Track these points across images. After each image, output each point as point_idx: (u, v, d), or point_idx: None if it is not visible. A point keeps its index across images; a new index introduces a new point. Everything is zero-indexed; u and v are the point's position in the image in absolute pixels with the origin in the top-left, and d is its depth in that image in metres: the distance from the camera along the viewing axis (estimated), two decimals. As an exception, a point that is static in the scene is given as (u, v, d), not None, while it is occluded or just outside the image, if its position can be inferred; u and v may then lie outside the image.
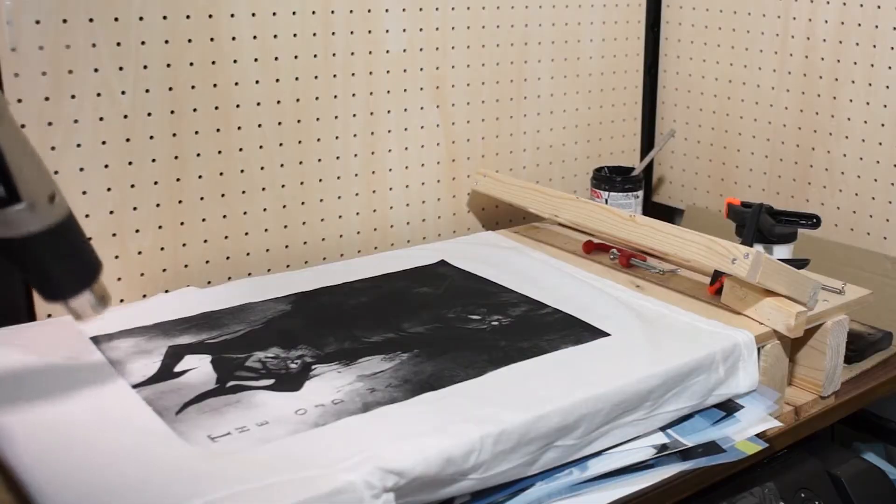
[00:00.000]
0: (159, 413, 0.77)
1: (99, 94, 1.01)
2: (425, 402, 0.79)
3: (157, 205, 1.07)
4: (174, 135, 1.07)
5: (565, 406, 0.78)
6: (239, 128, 1.11)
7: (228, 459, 0.70)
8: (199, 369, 0.85)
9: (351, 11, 1.17)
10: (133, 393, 0.80)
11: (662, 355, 0.87)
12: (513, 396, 0.80)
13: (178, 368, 0.85)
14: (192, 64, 1.06)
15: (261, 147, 1.14)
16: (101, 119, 1.01)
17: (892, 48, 1.22)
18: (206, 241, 1.12)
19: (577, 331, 0.93)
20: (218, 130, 1.10)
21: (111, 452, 0.71)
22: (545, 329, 0.94)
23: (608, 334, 0.92)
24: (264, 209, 1.15)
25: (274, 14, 1.11)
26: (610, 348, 0.90)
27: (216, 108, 1.09)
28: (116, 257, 1.06)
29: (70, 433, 0.74)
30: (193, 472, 0.68)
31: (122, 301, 1.06)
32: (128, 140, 1.04)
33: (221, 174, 1.11)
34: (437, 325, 0.95)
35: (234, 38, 1.09)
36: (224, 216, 1.13)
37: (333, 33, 1.17)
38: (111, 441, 0.72)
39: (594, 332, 0.93)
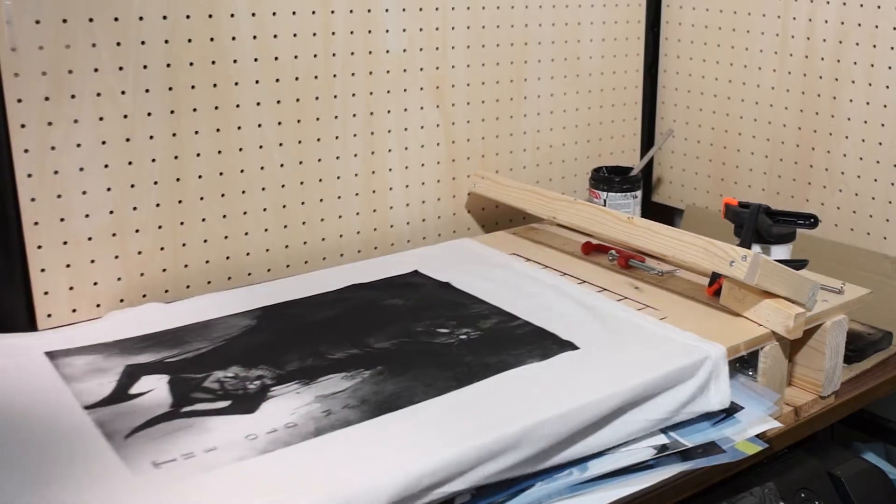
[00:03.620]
0: (108, 437, 0.75)
1: (99, 94, 1.01)
2: (380, 426, 0.76)
3: (157, 205, 1.07)
4: (174, 135, 1.07)
5: (523, 428, 0.76)
6: (239, 128, 1.11)
7: (165, 488, 0.68)
8: (154, 392, 0.82)
9: (351, 11, 1.17)
10: (84, 415, 0.78)
11: (629, 370, 0.85)
12: (471, 418, 0.77)
13: (133, 390, 0.83)
14: (192, 64, 1.07)
15: (261, 147, 1.14)
16: (101, 119, 1.02)
17: (892, 48, 1.22)
18: (206, 241, 1.12)
19: (545, 343, 0.91)
20: (218, 130, 1.10)
21: (50, 476, 0.69)
22: (513, 342, 0.91)
23: (577, 347, 0.90)
24: (264, 209, 1.16)
25: (274, 14, 1.11)
26: (577, 363, 0.87)
27: (216, 108, 1.09)
28: (116, 257, 1.06)
29: (12, 454, 0.72)
30: (126, 501, 0.66)
31: (121, 301, 1.07)
32: (128, 140, 1.04)
33: (221, 174, 1.11)
34: (404, 340, 0.93)
35: (234, 38, 1.09)
36: (224, 216, 1.13)
37: (333, 33, 1.17)
38: (51, 464, 0.71)
39: (563, 346, 0.90)
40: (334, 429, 0.76)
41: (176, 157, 1.08)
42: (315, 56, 1.16)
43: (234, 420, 0.78)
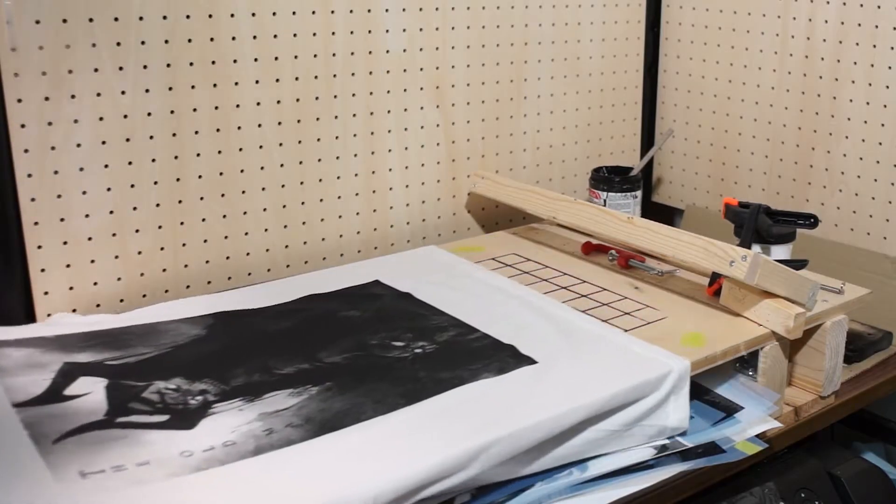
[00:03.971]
0: (35, 439, 0.72)
1: (99, 94, 1.01)
2: (321, 446, 0.73)
3: (157, 205, 1.07)
4: (174, 135, 1.07)
5: (474, 448, 0.73)
6: (239, 128, 1.11)
7: (90, 500, 0.65)
8: (90, 396, 0.79)
9: (351, 11, 1.17)
10: (12, 413, 0.75)
11: (588, 386, 0.82)
12: (419, 438, 0.74)
13: (68, 391, 0.79)
14: (192, 64, 1.07)
15: (261, 147, 1.14)
16: (101, 119, 1.02)
17: (892, 48, 1.22)
18: (206, 241, 1.12)
19: (503, 357, 0.88)
20: (218, 130, 1.10)
21: None
22: (470, 356, 0.88)
23: (535, 362, 0.87)
24: (264, 209, 1.16)
25: (274, 14, 1.11)
26: (534, 379, 0.84)
27: (216, 108, 1.09)
28: (116, 257, 1.06)
29: None
30: None
31: (121, 301, 1.07)
32: (128, 140, 1.04)
33: (221, 174, 1.11)
34: (357, 354, 0.89)
35: (234, 38, 1.09)
36: (224, 216, 1.13)
37: (333, 33, 1.17)
38: None
39: (520, 360, 0.87)
40: (274, 448, 0.73)
41: (176, 157, 1.08)
42: (315, 56, 1.16)
43: (170, 435, 0.75)
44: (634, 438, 0.84)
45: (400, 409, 0.79)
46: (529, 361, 0.87)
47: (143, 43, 1.03)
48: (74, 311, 1.03)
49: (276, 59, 1.12)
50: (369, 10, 1.19)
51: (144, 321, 0.95)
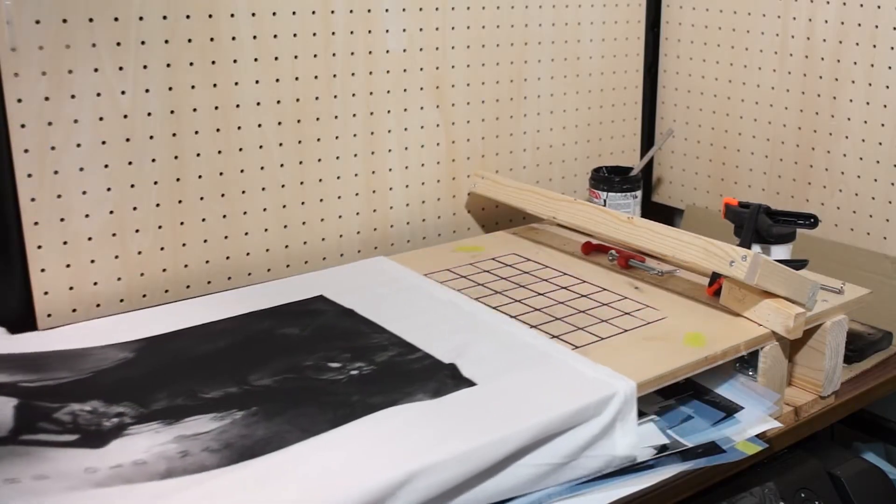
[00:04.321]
0: None
1: (99, 94, 1.01)
2: (237, 473, 0.70)
3: (157, 205, 1.07)
4: (174, 135, 1.07)
5: (397, 478, 0.69)
6: (239, 128, 1.11)
7: None
8: None
9: (351, 11, 1.17)
10: None
11: (527, 411, 0.77)
12: (341, 467, 0.71)
13: None
14: (192, 64, 1.07)
15: (261, 147, 1.14)
16: (101, 119, 1.02)
17: (892, 48, 1.22)
18: (206, 241, 1.12)
19: (441, 379, 0.84)
20: (218, 130, 1.10)
21: None
22: (407, 378, 0.84)
23: (474, 384, 0.83)
24: (264, 209, 1.16)
25: (274, 14, 1.11)
26: (471, 402, 0.80)
27: (216, 108, 1.09)
28: (116, 257, 1.06)
29: None
30: None
31: (121, 301, 1.07)
32: (128, 140, 1.04)
33: (221, 174, 1.11)
34: (289, 377, 0.85)
35: (234, 38, 1.09)
36: (224, 216, 1.13)
37: (333, 33, 1.17)
38: None
39: (459, 382, 0.83)
40: (187, 473, 0.70)
41: (176, 157, 1.08)
42: (315, 56, 1.16)
43: (77, 453, 0.72)
44: (579, 471, 0.79)
45: (323, 433, 0.75)
46: (468, 383, 0.83)
47: (143, 43, 1.03)
48: (74, 311, 1.03)
49: (276, 59, 1.12)
50: (369, 10, 1.19)
51: (71, 346, 0.92)
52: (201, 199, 1.10)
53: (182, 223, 1.10)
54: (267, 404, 0.81)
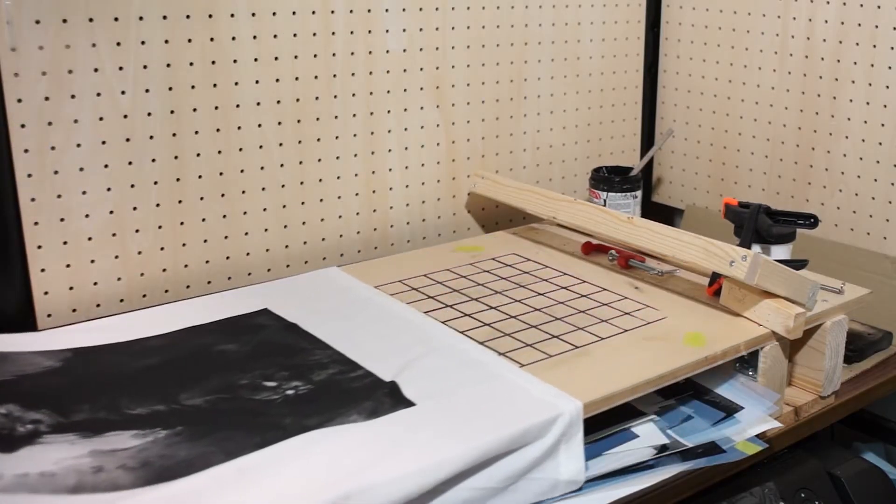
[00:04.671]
0: None
1: (99, 94, 1.01)
2: (148, 495, 0.67)
3: (157, 205, 1.07)
4: (174, 135, 1.07)
5: None
6: (239, 128, 1.11)
7: None
8: None
9: (351, 11, 1.17)
10: None
11: (465, 434, 0.74)
12: (258, 493, 0.67)
13: None
14: (192, 64, 1.07)
15: (261, 147, 1.14)
16: (101, 119, 1.02)
17: (892, 48, 1.22)
18: (206, 241, 1.12)
19: (379, 399, 0.80)
20: (218, 130, 1.10)
21: None
22: (344, 398, 0.80)
23: (413, 404, 0.79)
24: (264, 209, 1.16)
25: (274, 14, 1.11)
26: (408, 424, 0.76)
27: (216, 108, 1.09)
28: (116, 257, 1.06)
29: None
30: None
31: (121, 301, 1.07)
32: (128, 140, 1.04)
33: (221, 174, 1.11)
34: (222, 396, 0.81)
35: (234, 38, 1.09)
36: (224, 216, 1.13)
37: (333, 33, 1.17)
38: None
39: (398, 402, 0.79)
40: (97, 490, 0.66)
41: (176, 157, 1.08)
42: (315, 56, 1.16)
43: None
44: (520, 495, 0.75)
45: (247, 455, 0.71)
46: (407, 403, 0.79)
47: (143, 43, 1.03)
48: (74, 311, 1.03)
49: (276, 59, 1.13)
50: (369, 10, 1.19)
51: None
52: (201, 199, 1.10)
53: (182, 223, 1.10)
54: (194, 425, 0.76)
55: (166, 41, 1.04)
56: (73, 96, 0.99)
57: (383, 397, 0.80)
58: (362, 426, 0.76)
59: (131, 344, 0.92)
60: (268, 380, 0.85)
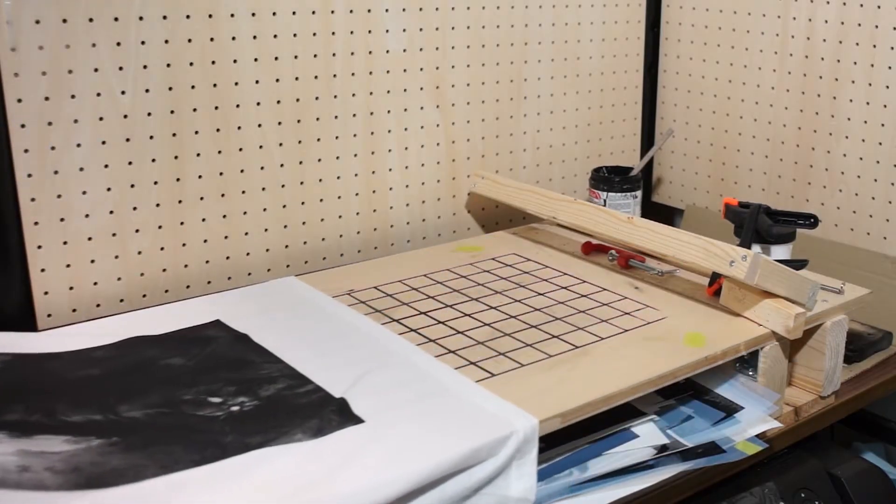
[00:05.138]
0: None
1: (99, 94, 1.01)
2: (75, 500, 0.65)
3: (157, 205, 1.07)
4: (174, 135, 1.07)
5: None
6: (239, 128, 1.11)
7: None
8: None
9: (351, 11, 1.17)
10: None
11: (414, 454, 0.71)
12: None
13: None
14: (192, 64, 1.07)
15: (261, 147, 1.14)
16: (101, 119, 1.02)
17: (892, 48, 1.22)
18: (206, 241, 1.12)
19: (327, 416, 0.77)
20: (218, 130, 1.10)
21: None
22: (290, 415, 0.77)
23: (362, 421, 0.76)
24: (264, 209, 1.16)
25: (274, 14, 1.11)
26: (354, 443, 0.73)
27: (216, 108, 1.09)
28: (116, 257, 1.06)
29: None
30: None
31: (121, 301, 1.07)
32: (128, 140, 1.04)
33: (221, 174, 1.11)
34: (162, 411, 0.79)
35: (234, 38, 1.09)
36: (224, 216, 1.13)
37: (333, 33, 1.17)
38: None
39: (346, 419, 0.76)
40: (20, 488, 0.65)
41: (176, 157, 1.08)
42: (315, 56, 1.16)
43: None
44: None
45: (183, 471, 0.69)
46: (356, 421, 0.76)
47: (143, 43, 1.03)
48: (74, 311, 1.03)
49: (276, 59, 1.13)
50: (369, 10, 1.19)
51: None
52: (201, 199, 1.10)
53: (182, 223, 1.10)
54: (130, 436, 0.74)
55: (166, 41, 1.04)
56: (73, 96, 0.99)
57: (331, 415, 0.77)
58: (307, 445, 0.73)
59: (76, 353, 0.89)
60: (213, 395, 0.81)
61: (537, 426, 0.76)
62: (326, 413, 0.78)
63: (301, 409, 0.79)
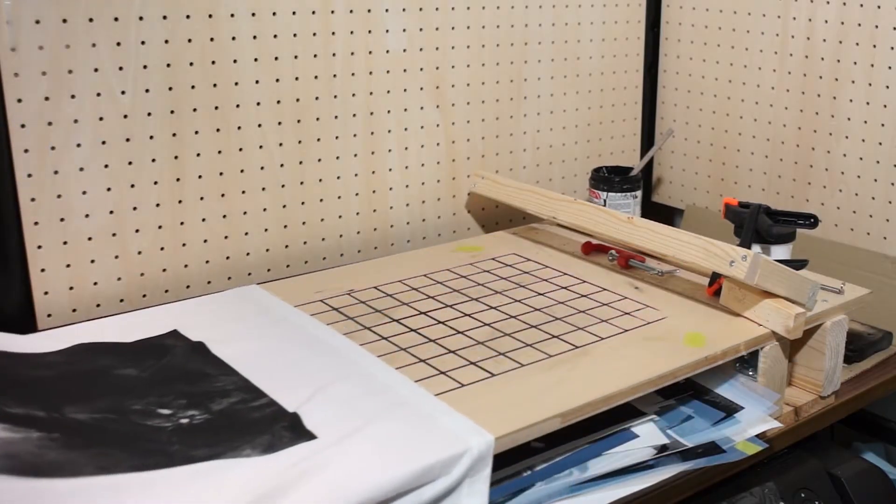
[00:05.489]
0: None
1: (99, 94, 1.01)
2: (8, 483, 0.64)
3: (157, 205, 1.07)
4: (174, 135, 1.07)
5: None
6: (239, 128, 1.12)
7: None
8: None
9: (351, 11, 1.17)
10: None
11: (364, 471, 0.69)
12: None
13: None
14: (192, 64, 1.07)
15: (261, 147, 1.14)
16: (101, 119, 1.02)
17: (892, 48, 1.22)
18: (206, 241, 1.12)
19: (278, 432, 0.75)
20: (218, 130, 1.10)
21: None
22: (241, 430, 0.75)
23: (314, 437, 0.74)
24: (264, 209, 1.16)
25: (274, 14, 1.11)
26: (304, 460, 0.71)
27: (216, 108, 1.09)
28: (116, 257, 1.06)
29: None
30: None
31: (121, 301, 1.07)
32: (128, 140, 1.04)
33: (221, 174, 1.11)
34: (109, 416, 0.77)
35: (234, 38, 1.09)
36: (224, 216, 1.13)
37: (333, 33, 1.17)
38: None
39: (298, 435, 0.74)
40: None
41: (176, 157, 1.08)
42: (315, 56, 1.16)
43: None
44: None
45: (121, 474, 0.68)
46: (308, 437, 0.74)
47: (143, 43, 1.03)
48: (74, 311, 1.03)
49: (276, 59, 1.13)
50: (369, 10, 1.19)
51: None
52: (201, 199, 1.10)
53: (182, 223, 1.10)
54: (72, 436, 0.72)
55: (166, 41, 1.04)
56: (73, 96, 0.99)
57: (283, 431, 0.75)
58: (255, 461, 0.71)
59: (27, 356, 0.87)
60: (163, 407, 0.80)
61: (492, 443, 0.74)
62: (278, 429, 0.75)
63: (253, 424, 0.76)
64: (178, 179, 1.08)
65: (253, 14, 1.10)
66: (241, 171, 1.13)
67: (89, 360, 0.88)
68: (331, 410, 0.78)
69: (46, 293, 1.02)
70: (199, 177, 1.10)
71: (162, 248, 1.09)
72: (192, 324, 0.95)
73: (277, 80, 1.13)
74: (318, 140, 1.18)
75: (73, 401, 0.79)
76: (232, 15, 1.08)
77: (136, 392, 0.82)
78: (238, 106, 1.11)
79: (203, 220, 1.11)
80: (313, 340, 0.92)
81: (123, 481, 0.67)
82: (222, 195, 1.12)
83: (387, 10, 1.20)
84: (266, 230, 1.16)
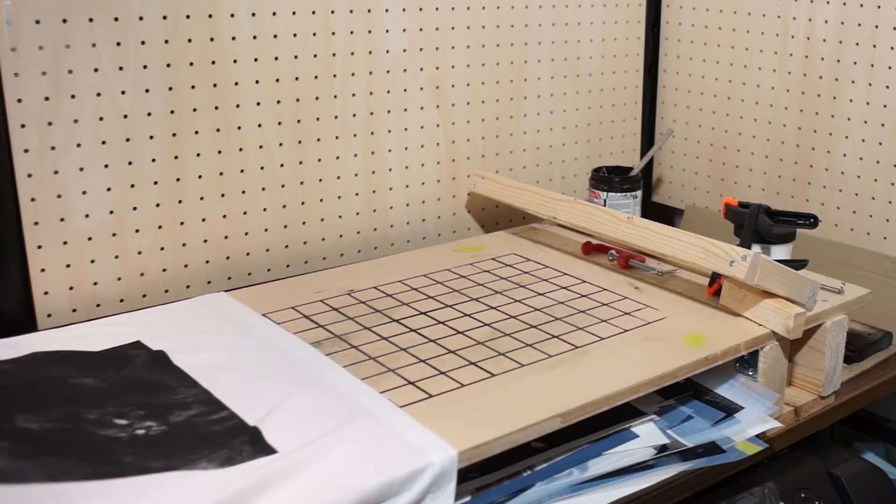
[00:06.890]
0: None
1: (99, 94, 1.01)
2: None
3: (157, 205, 1.07)
4: (174, 135, 1.07)
5: None
6: (239, 128, 1.12)
7: None
8: None
9: (351, 11, 1.17)
10: None
11: (323, 487, 0.68)
12: None
13: None
14: (192, 64, 1.07)
15: (261, 147, 1.14)
16: (101, 119, 1.02)
17: (892, 48, 1.22)
18: (206, 241, 1.12)
19: (237, 445, 0.73)
20: (218, 130, 1.10)
21: None
22: (198, 442, 0.73)
23: (274, 451, 0.72)
24: (264, 209, 1.16)
25: (274, 14, 1.11)
26: (262, 474, 0.69)
27: (216, 108, 1.09)
28: (116, 257, 1.06)
29: None
30: None
31: (121, 301, 1.07)
32: (128, 140, 1.04)
33: (221, 174, 1.11)
34: (62, 426, 0.75)
35: (234, 38, 1.09)
36: (224, 216, 1.13)
37: (333, 33, 1.17)
38: None
39: (257, 449, 0.72)
40: None
41: (176, 157, 1.08)
42: (315, 56, 1.16)
43: None
44: None
45: (72, 482, 0.67)
46: (268, 451, 0.72)
47: (143, 43, 1.03)
48: (74, 311, 1.03)
49: (276, 59, 1.13)
50: (369, 10, 1.19)
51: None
52: (201, 199, 1.10)
53: (182, 223, 1.10)
54: (21, 444, 0.71)
55: (166, 41, 1.04)
56: (73, 96, 0.99)
57: (242, 445, 0.73)
58: (211, 474, 0.69)
59: None
60: (121, 417, 0.78)
61: (455, 458, 0.72)
62: (237, 443, 0.74)
63: (211, 437, 0.75)
64: (178, 179, 1.08)
65: (253, 14, 1.10)
66: (241, 171, 1.13)
67: (46, 368, 0.85)
68: (292, 424, 0.76)
69: (46, 293, 1.02)
70: (199, 177, 1.10)
71: (162, 248, 1.09)
72: (154, 334, 0.93)
73: (277, 80, 1.13)
74: (318, 140, 1.18)
75: (25, 410, 0.78)
76: (232, 15, 1.08)
77: (93, 402, 0.80)
78: (238, 106, 1.11)
79: (203, 220, 1.11)
80: (278, 351, 0.90)
81: (72, 489, 0.66)
82: (222, 195, 1.12)
83: (387, 10, 1.20)
84: (266, 230, 1.16)
